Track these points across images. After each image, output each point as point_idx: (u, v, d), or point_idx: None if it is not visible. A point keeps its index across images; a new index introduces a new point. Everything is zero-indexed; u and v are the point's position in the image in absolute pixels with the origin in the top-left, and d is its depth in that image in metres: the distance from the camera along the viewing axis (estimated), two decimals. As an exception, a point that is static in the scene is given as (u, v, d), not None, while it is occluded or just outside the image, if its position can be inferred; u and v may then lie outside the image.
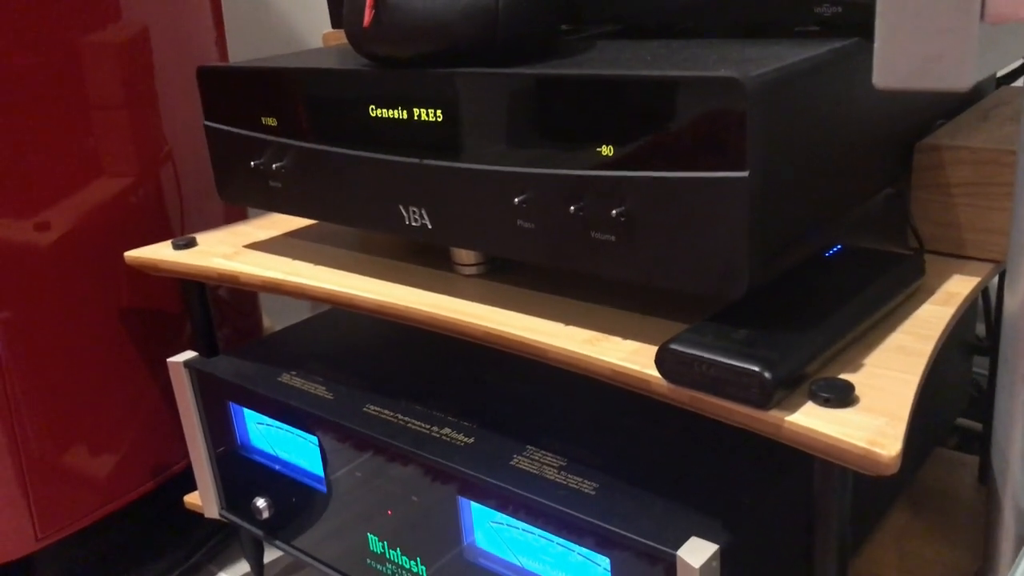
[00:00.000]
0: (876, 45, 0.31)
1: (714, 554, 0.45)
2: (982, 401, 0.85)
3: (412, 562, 0.61)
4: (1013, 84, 0.69)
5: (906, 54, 0.30)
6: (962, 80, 0.29)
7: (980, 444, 0.78)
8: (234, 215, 0.95)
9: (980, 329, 0.85)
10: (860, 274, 0.51)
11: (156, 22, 0.85)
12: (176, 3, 0.88)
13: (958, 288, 0.53)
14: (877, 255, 0.53)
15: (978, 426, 0.85)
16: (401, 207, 0.57)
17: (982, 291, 0.70)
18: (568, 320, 0.53)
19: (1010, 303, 0.48)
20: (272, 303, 1.12)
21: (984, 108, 0.64)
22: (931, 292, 0.53)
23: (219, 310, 0.94)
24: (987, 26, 0.29)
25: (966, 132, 0.57)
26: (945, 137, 0.56)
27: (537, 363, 0.52)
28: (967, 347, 0.78)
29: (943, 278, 0.54)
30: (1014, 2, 0.28)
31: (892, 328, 0.49)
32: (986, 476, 0.73)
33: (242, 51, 1.10)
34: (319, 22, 1.22)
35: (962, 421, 0.87)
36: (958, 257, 0.56)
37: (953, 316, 0.50)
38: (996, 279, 0.66)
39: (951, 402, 0.77)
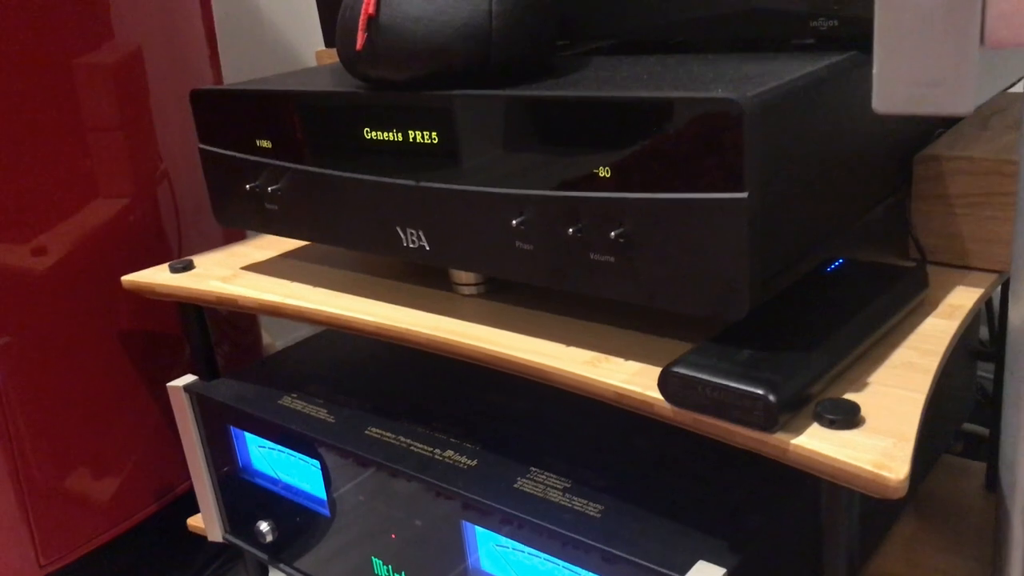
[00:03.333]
0: (875, 70, 0.31)
1: (722, 577, 0.45)
2: (988, 406, 0.85)
3: (417, 585, 0.61)
4: (1011, 90, 0.69)
5: (905, 79, 0.30)
6: (963, 105, 0.29)
7: (987, 450, 0.77)
8: (233, 234, 0.95)
9: (984, 332, 0.85)
10: (863, 289, 0.50)
11: (149, 42, 0.85)
12: (169, 22, 0.88)
13: (962, 300, 0.52)
14: (879, 269, 0.53)
15: (984, 431, 0.85)
16: (399, 229, 0.56)
17: (985, 297, 0.69)
18: (569, 340, 0.52)
19: (1015, 315, 0.48)
20: (272, 320, 1.12)
21: (983, 115, 0.63)
22: (935, 305, 0.52)
23: (219, 328, 0.94)
24: (987, 49, 0.29)
25: (966, 141, 0.57)
26: (945, 147, 0.56)
27: (540, 382, 0.52)
28: (971, 352, 0.78)
29: (946, 290, 0.54)
30: (1014, 28, 0.27)
31: (896, 344, 0.49)
32: (993, 483, 0.73)
33: (236, 69, 1.09)
34: (313, 39, 1.22)
35: (968, 426, 0.86)
36: (961, 268, 0.56)
37: (958, 330, 0.50)
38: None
39: (956, 408, 0.76)
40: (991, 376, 0.75)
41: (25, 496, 0.77)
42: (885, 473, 0.38)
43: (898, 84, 0.30)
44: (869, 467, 0.39)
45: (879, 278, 0.52)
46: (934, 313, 0.51)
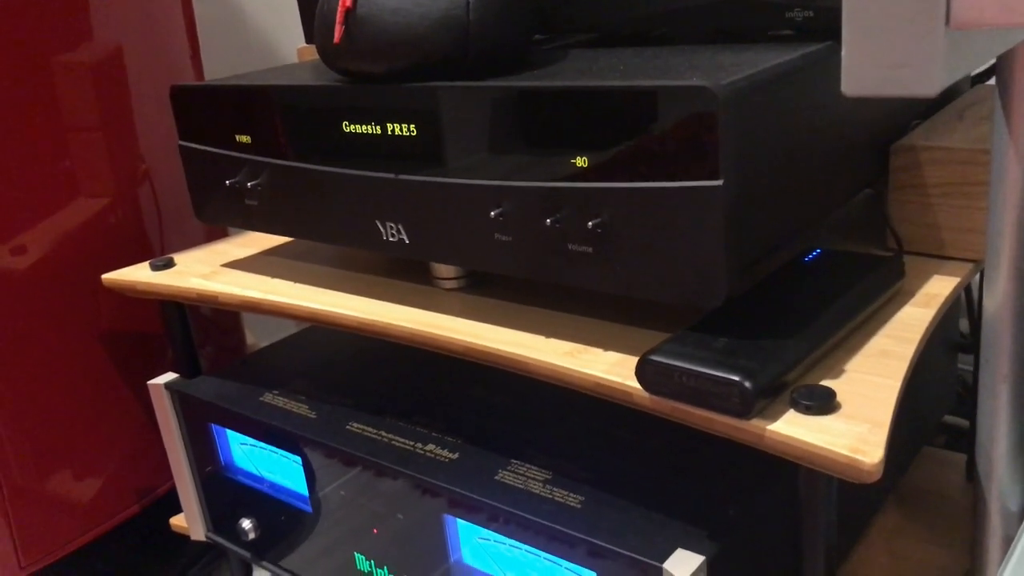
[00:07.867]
0: (844, 53, 0.31)
1: (700, 566, 0.45)
2: (969, 398, 0.85)
3: (400, 580, 0.61)
4: (987, 83, 0.69)
5: (873, 62, 0.30)
6: (930, 86, 0.29)
7: (967, 441, 0.78)
8: (214, 232, 0.94)
9: (964, 325, 0.85)
10: (840, 278, 0.51)
11: (130, 40, 0.85)
12: (150, 21, 0.88)
13: (938, 289, 0.53)
14: (856, 258, 0.53)
15: (965, 423, 0.85)
16: (378, 222, 0.56)
17: (965, 288, 0.70)
18: (549, 332, 0.53)
19: (989, 304, 0.48)
20: (255, 319, 1.11)
21: (959, 107, 0.64)
22: (911, 294, 0.53)
23: (201, 328, 0.93)
24: (955, 31, 0.29)
25: (941, 132, 0.57)
26: (921, 137, 0.56)
27: (521, 375, 0.52)
28: (951, 344, 0.78)
29: (923, 279, 0.54)
30: (979, 9, 0.27)
31: (873, 332, 0.49)
32: (973, 474, 0.73)
33: (218, 66, 1.09)
34: (294, 36, 1.22)
35: (950, 419, 0.87)
36: (938, 257, 0.56)
37: (934, 318, 0.50)
38: (978, 276, 0.66)
39: (938, 400, 0.77)
40: (972, 368, 0.75)
41: (5, 497, 0.77)
42: (860, 457, 0.38)
43: (866, 66, 0.30)
44: (844, 452, 0.39)
45: (856, 268, 0.52)
46: (911, 302, 0.52)
